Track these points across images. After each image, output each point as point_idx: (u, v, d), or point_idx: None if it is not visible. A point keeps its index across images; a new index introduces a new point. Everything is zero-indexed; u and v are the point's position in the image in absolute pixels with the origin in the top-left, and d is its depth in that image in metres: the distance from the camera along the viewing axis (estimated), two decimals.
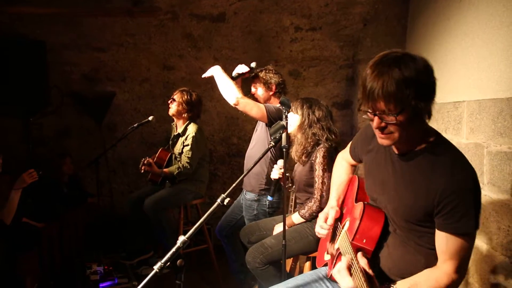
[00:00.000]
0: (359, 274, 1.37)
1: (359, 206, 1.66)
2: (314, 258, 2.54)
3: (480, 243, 2.67)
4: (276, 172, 2.65)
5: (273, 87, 3.06)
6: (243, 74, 3.00)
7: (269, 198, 2.59)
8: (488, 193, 2.59)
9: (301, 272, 3.01)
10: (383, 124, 1.39)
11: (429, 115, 1.41)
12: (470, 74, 2.87)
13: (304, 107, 2.63)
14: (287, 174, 2.75)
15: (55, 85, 4.31)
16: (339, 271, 1.43)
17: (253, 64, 3.03)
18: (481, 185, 2.58)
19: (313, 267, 2.37)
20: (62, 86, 4.43)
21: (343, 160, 2.05)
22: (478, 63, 2.78)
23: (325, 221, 1.85)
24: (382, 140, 1.45)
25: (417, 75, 1.31)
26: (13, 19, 4.21)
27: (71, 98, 4.48)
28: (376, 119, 1.39)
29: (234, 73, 2.98)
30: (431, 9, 3.55)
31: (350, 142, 1.96)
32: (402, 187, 1.50)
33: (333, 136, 2.62)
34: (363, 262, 1.44)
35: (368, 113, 1.41)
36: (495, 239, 2.52)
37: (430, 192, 1.40)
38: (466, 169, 1.39)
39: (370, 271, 1.41)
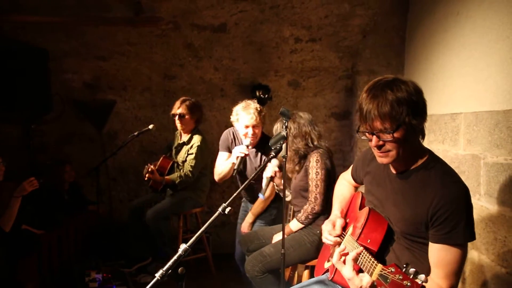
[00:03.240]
0: (368, 256, 1.47)
1: (365, 210, 1.73)
2: (313, 266, 2.56)
3: (477, 253, 2.68)
4: (270, 170, 2.58)
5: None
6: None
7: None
8: (484, 204, 2.62)
9: (299, 280, 3.02)
10: (381, 143, 1.49)
11: (423, 134, 1.54)
12: (467, 86, 2.91)
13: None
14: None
15: (56, 92, 4.34)
16: (348, 261, 1.50)
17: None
18: (477, 196, 2.65)
19: (311, 275, 2.38)
20: (63, 94, 4.47)
21: (345, 180, 2.14)
22: (475, 75, 2.82)
23: (333, 228, 1.86)
24: (381, 158, 1.55)
25: (409, 95, 1.44)
26: (16, 27, 4.26)
27: (73, 105, 4.52)
28: (374, 138, 1.50)
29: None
30: (429, 21, 3.60)
31: (352, 165, 2.07)
32: (401, 202, 1.58)
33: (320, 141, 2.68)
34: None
35: (367, 134, 1.52)
36: (491, 249, 2.54)
37: (423, 206, 1.48)
38: (455, 183, 1.48)
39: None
